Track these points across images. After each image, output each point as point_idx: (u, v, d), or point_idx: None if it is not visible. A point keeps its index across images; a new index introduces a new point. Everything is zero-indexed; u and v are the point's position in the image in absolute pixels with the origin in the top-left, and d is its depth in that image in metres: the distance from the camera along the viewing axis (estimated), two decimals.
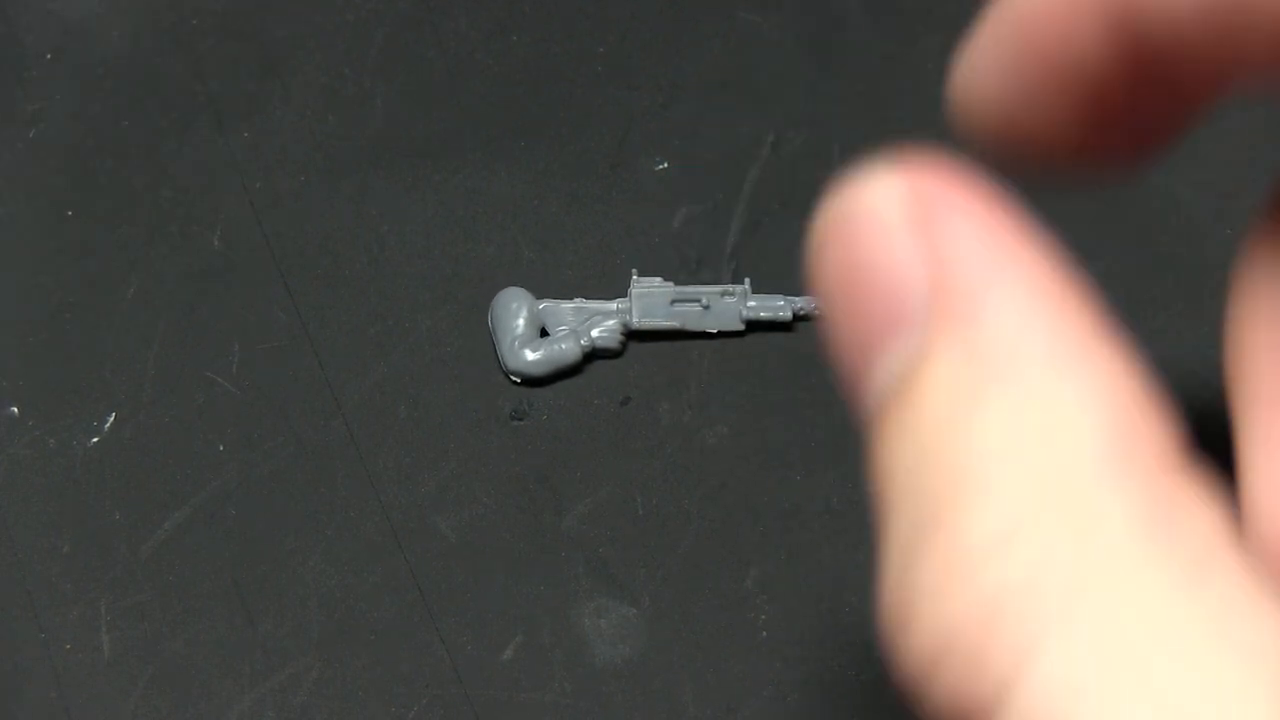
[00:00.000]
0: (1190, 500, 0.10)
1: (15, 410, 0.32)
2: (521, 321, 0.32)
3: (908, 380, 0.11)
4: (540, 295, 0.33)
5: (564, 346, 0.32)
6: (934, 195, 0.11)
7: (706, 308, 0.32)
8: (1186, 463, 0.11)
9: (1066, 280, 0.11)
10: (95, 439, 0.32)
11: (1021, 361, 0.11)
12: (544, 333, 0.32)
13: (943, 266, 0.11)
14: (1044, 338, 0.11)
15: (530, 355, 0.32)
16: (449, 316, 0.33)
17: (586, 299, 0.33)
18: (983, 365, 0.11)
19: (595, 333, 0.32)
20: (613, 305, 0.33)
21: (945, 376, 0.11)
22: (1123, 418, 0.10)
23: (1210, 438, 0.13)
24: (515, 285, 0.33)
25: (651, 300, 0.32)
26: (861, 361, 0.12)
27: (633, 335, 0.33)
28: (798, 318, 0.32)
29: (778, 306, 0.32)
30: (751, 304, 0.32)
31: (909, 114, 0.35)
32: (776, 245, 0.34)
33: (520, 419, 0.32)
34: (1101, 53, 0.13)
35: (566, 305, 0.33)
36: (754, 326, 0.33)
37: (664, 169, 0.35)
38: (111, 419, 0.32)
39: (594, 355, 0.32)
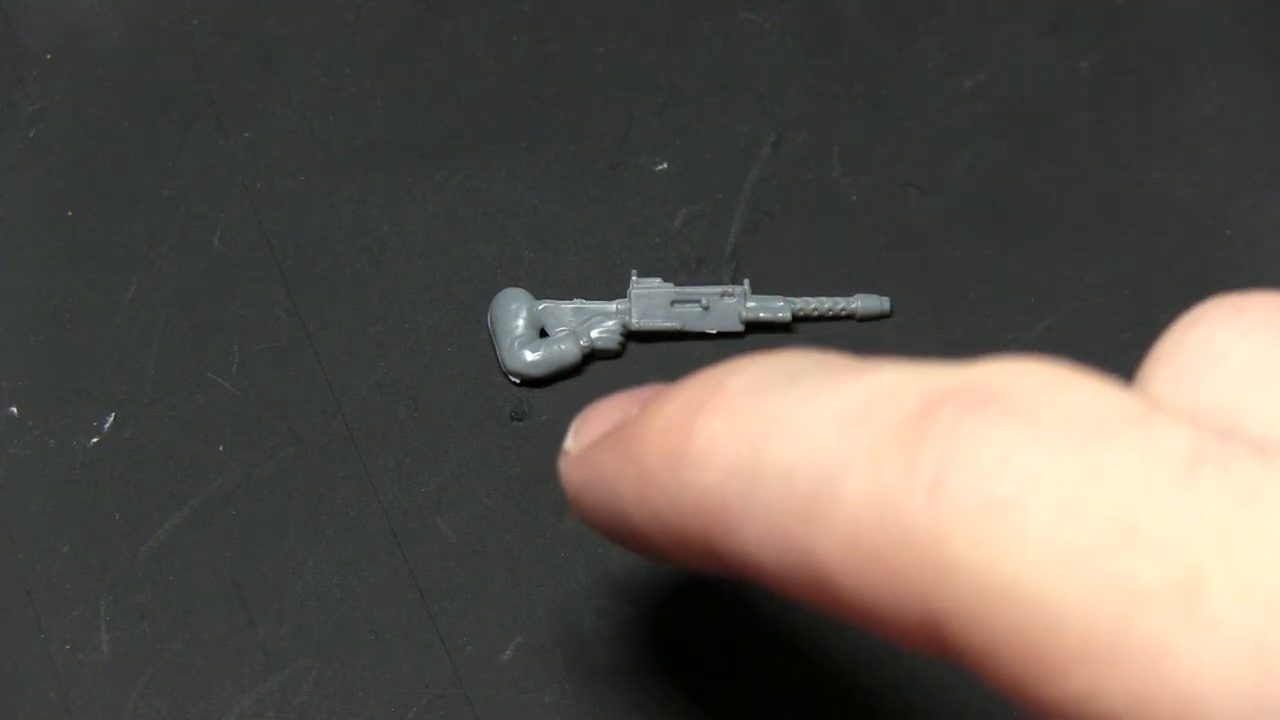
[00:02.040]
0: None
1: (15, 410, 0.32)
2: (521, 322, 0.32)
3: None
4: (540, 295, 0.33)
5: (563, 347, 0.32)
6: None
7: (706, 308, 0.32)
8: None
9: None
10: (95, 439, 0.32)
11: None
12: (543, 333, 0.32)
13: None
14: None
15: (530, 356, 0.32)
16: (449, 316, 0.33)
17: (586, 299, 0.33)
18: None
19: (595, 333, 0.32)
20: (612, 306, 0.33)
21: None
22: None
23: None
24: (515, 285, 0.33)
25: (651, 301, 0.32)
26: None
27: (632, 336, 0.33)
28: (797, 318, 0.32)
29: (777, 307, 0.32)
30: (751, 305, 0.32)
31: (909, 114, 0.35)
32: (776, 245, 0.34)
33: (520, 419, 0.32)
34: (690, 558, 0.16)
35: (566, 306, 0.33)
36: (753, 327, 0.33)
37: (664, 169, 0.35)
38: (111, 419, 0.32)
39: (594, 356, 0.32)
